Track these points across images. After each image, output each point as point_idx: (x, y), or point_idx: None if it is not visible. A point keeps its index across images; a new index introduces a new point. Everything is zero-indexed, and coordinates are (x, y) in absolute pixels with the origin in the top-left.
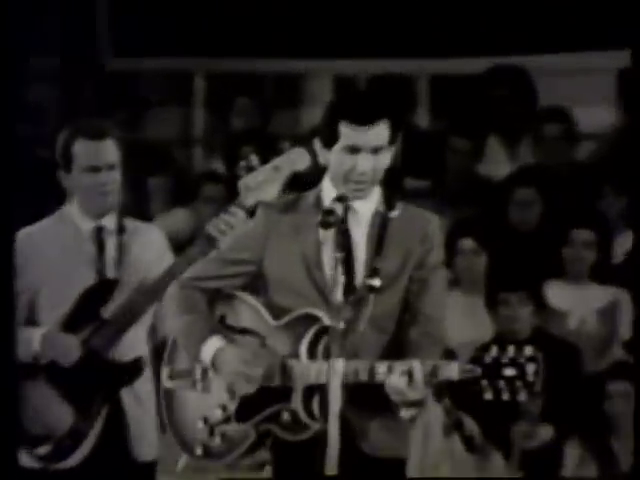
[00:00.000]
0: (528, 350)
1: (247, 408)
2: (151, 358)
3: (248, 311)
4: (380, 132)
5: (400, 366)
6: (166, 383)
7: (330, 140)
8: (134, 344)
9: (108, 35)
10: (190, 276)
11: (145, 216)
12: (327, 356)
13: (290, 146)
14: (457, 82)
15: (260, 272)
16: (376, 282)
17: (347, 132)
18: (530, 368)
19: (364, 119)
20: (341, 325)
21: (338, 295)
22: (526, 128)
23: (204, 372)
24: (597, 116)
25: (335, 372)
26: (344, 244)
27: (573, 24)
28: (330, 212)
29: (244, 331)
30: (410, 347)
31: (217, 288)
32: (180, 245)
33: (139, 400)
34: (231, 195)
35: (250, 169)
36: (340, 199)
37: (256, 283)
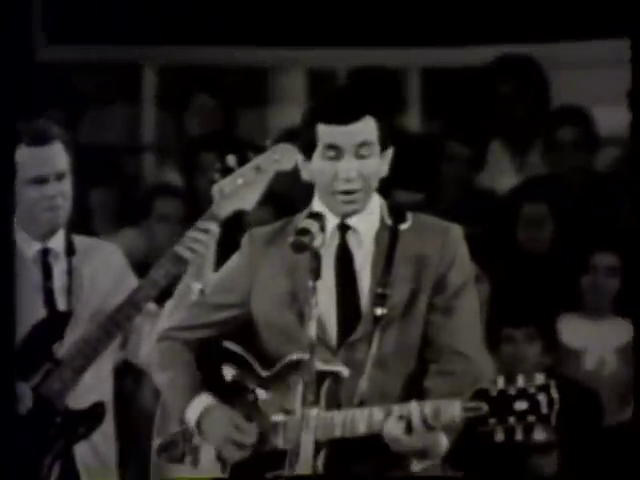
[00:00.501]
0: (539, 378)
1: (240, 478)
2: (115, 403)
3: (238, 362)
4: (363, 129)
5: (397, 410)
6: (155, 457)
7: (309, 147)
8: (93, 387)
9: (40, 18)
10: (170, 326)
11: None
12: (330, 407)
13: (272, 143)
14: (454, 76)
15: (248, 316)
16: (378, 311)
17: (325, 131)
18: (543, 398)
19: (343, 115)
20: (339, 369)
21: (330, 334)
22: (536, 132)
23: (191, 440)
24: (620, 117)
25: (308, 426)
26: (343, 269)
27: (592, 6)
28: (304, 232)
29: (234, 386)
30: (434, 397)
31: (201, 338)
32: (135, 269)
33: (97, 455)
34: (190, 211)
35: (226, 172)
36: (315, 216)
37: (245, 329)
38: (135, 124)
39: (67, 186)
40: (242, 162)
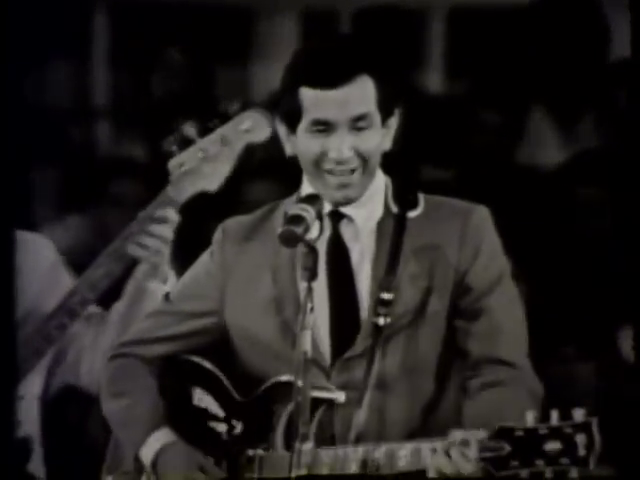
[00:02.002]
0: (578, 415)
1: None
2: (43, 436)
3: (208, 385)
4: (358, 94)
5: (408, 448)
6: None
7: (292, 118)
8: (19, 413)
9: None
10: (127, 339)
11: (24, 226)
12: (322, 441)
13: (240, 109)
14: (486, 20)
15: (222, 327)
16: (381, 321)
17: (309, 98)
18: (581, 440)
19: (330, 76)
20: (333, 396)
21: (322, 349)
22: (589, 94)
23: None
24: None
25: (300, 465)
26: (336, 268)
27: None
28: (297, 219)
29: (202, 414)
30: (475, 416)
31: (165, 355)
32: (77, 266)
33: None
34: (153, 193)
35: (184, 143)
36: (310, 200)
37: (218, 343)
38: (83, 84)
39: None
40: (204, 132)
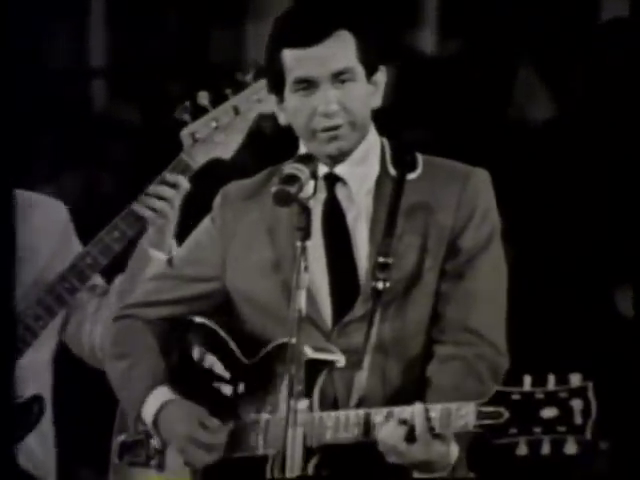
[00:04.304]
0: (575, 379)
1: None
2: (52, 396)
3: (213, 346)
4: (337, 49)
5: (398, 413)
6: (115, 460)
7: (278, 83)
8: (30, 377)
9: None
10: (132, 302)
11: (22, 186)
12: (323, 405)
13: (253, 77)
14: None
15: (225, 291)
16: (380, 285)
17: (290, 59)
18: (577, 405)
19: (305, 31)
20: (333, 358)
21: (322, 313)
22: (578, 52)
23: (152, 440)
24: None
25: (295, 424)
26: (332, 230)
27: None
28: (291, 179)
29: (206, 376)
30: (436, 390)
31: (168, 317)
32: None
33: (32, 462)
34: (155, 158)
35: (197, 112)
36: (304, 159)
37: (221, 308)
38: (81, 44)
39: None
40: (217, 101)
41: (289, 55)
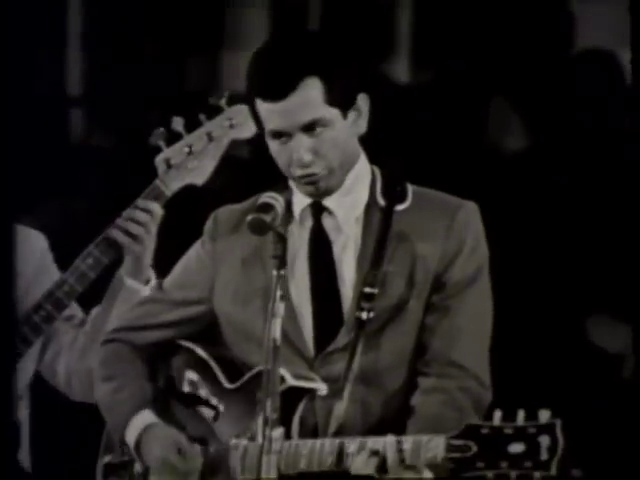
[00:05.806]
0: (544, 416)
1: None
2: (31, 425)
3: (198, 370)
4: (302, 100)
5: (371, 444)
6: None
7: (260, 125)
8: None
9: None
10: (119, 326)
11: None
12: (303, 433)
13: (225, 104)
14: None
15: (213, 315)
16: (364, 315)
17: (263, 111)
18: (544, 442)
19: (274, 88)
20: (315, 386)
21: (306, 341)
22: (553, 81)
23: (136, 464)
24: None
25: (270, 452)
26: (318, 259)
27: None
28: (266, 207)
29: (191, 400)
30: (420, 421)
31: (156, 341)
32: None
33: None
34: (132, 185)
35: (171, 138)
36: (280, 188)
37: (208, 332)
38: (59, 71)
39: None
40: (191, 126)
41: (262, 107)
